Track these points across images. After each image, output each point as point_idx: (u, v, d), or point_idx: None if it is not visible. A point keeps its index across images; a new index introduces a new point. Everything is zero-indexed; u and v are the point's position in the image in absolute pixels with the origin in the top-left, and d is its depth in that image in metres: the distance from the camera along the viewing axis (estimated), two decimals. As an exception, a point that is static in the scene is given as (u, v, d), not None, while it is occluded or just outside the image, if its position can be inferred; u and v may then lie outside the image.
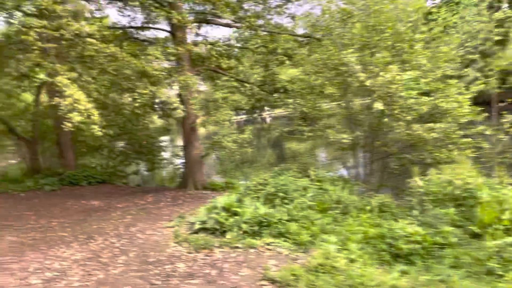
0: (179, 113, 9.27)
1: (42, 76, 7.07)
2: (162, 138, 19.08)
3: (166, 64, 12.92)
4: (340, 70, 8.08)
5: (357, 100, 8.89)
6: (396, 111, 7.46)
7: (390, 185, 9.02)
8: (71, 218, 9.11)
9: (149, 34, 14.26)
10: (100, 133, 7.37)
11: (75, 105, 6.84)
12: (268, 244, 5.78)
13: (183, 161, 12.90)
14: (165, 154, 18.33)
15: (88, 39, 7.67)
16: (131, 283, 4.98)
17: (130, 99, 9.99)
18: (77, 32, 7.45)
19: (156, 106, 16.53)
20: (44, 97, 16.92)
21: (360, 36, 8.06)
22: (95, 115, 7.20)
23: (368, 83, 7.35)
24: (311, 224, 5.95)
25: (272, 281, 4.50)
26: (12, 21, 9.22)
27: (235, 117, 19.94)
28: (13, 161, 21.34)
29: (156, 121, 18.62)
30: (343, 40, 8.22)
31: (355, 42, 8.05)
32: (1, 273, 5.81)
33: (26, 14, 7.52)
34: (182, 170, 13.58)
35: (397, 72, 7.12)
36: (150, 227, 7.67)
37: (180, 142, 22.29)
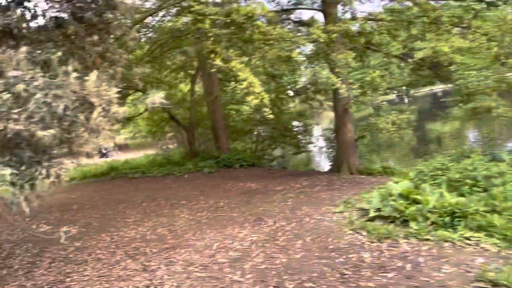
0: (343, 94, 8.79)
1: (218, 62, 7.41)
2: (304, 122, 18.97)
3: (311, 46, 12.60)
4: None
5: None
6: None
7: None
8: (235, 199, 9.50)
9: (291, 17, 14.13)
10: (271, 116, 7.45)
11: (250, 88, 6.99)
12: (467, 239, 4.98)
13: (334, 144, 12.48)
14: (309, 138, 18.20)
15: (257, 23, 7.74)
16: (317, 270, 4.75)
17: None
18: (249, 14, 7.58)
19: (299, 90, 16.50)
20: (198, 87, 18.34)
21: None
22: (266, 98, 7.27)
23: None
24: (522, 217, 4.95)
25: (494, 284, 3.77)
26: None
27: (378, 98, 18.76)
28: (171, 146, 23.89)
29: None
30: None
31: None
32: (188, 250, 6.24)
33: (200, 3, 7.96)
34: (334, 154, 13.19)
35: None
36: (316, 211, 7.45)
37: (319, 125, 22.05)
